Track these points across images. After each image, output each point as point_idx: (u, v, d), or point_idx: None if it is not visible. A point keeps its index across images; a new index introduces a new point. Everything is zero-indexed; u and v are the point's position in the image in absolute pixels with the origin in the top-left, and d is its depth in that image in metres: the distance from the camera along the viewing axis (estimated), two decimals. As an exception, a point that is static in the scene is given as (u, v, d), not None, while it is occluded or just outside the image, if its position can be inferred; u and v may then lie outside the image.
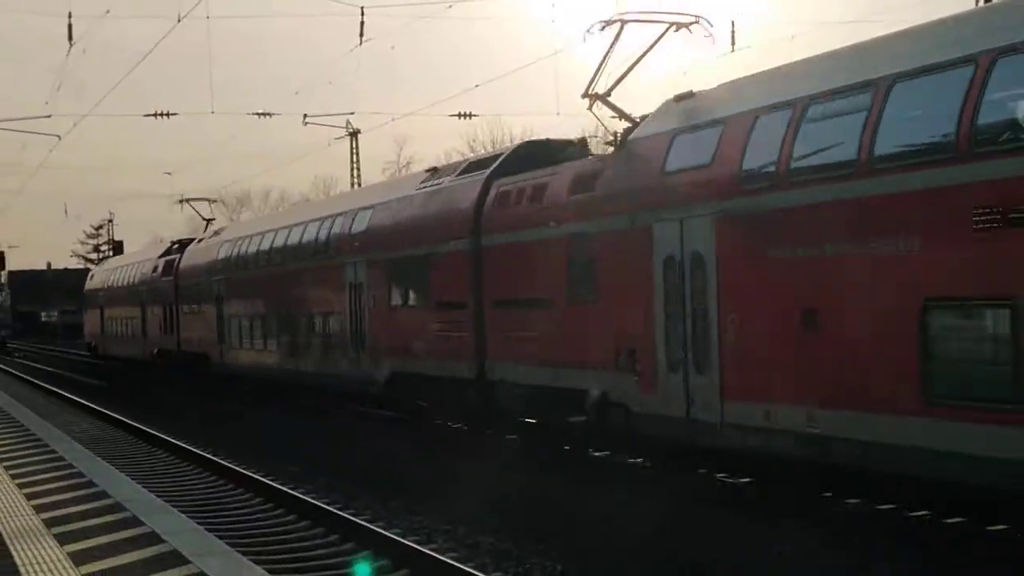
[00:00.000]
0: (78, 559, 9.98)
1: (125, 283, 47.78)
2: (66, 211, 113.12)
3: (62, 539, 10.89)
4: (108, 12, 30.63)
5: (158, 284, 41.44)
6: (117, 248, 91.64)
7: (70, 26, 30.30)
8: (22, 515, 12.32)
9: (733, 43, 32.98)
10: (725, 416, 13.63)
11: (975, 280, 10.59)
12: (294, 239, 28.49)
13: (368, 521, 14.04)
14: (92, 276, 59.86)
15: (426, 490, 16.15)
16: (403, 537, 13.03)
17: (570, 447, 18.25)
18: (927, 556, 11.44)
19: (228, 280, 33.58)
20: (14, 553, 10.28)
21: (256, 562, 10.47)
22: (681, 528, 13.07)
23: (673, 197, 14.68)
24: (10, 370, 53.72)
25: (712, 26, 17.84)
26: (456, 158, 51.61)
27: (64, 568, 9.67)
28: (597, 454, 18.14)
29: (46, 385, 41.40)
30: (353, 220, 25.03)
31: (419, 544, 12.62)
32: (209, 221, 44.24)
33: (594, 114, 17.42)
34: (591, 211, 16.38)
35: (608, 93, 17.59)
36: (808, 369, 12.44)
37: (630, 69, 17.68)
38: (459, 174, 21.39)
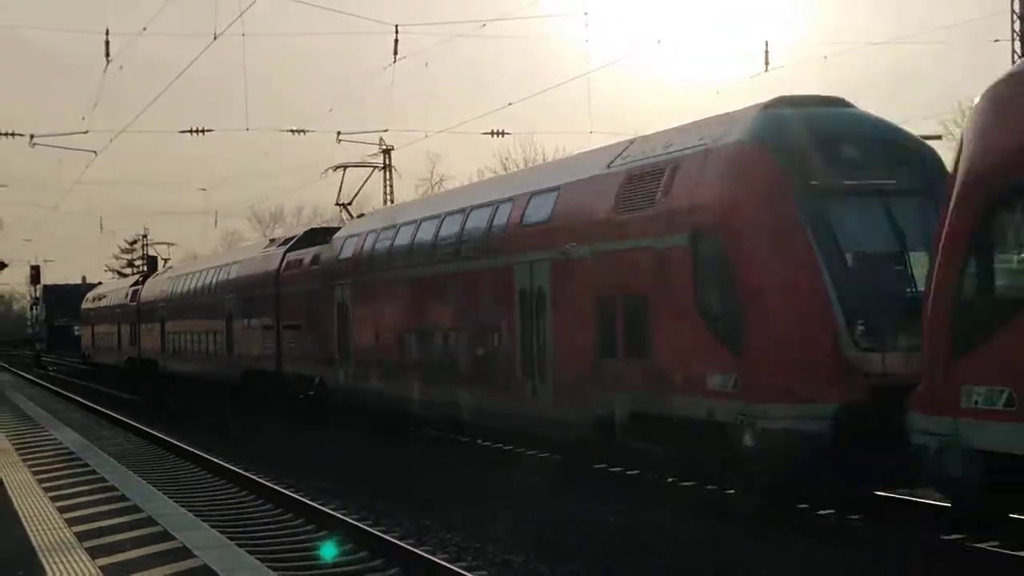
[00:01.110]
0: (110, 573, 10.03)
1: (106, 306, 62.75)
2: (101, 226, 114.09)
3: (94, 553, 10.95)
4: (145, 29, 30.85)
5: (127, 307, 55.84)
6: (151, 264, 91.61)
7: (107, 43, 30.63)
8: (55, 528, 12.40)
9: (767, 63, 32.98)
10: None
11: None
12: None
13: (399, 539, 14.03)
14: (85, 300, 73.51)
15: (459, 508, 16.12)
16: (433, 554, 13.02)
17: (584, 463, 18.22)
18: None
19: (169, 309, 47.22)
20: (47, 566, 10.35)
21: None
22: (711, 545, 13.01)
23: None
24: (45, 384, 54.11)
25: (395, 169, 21.91)
26: (488, 176, 51.59)
27: (96, 581, 9.72)
28: (614, 469, 18.08)
29: (79, 399, 41.66)
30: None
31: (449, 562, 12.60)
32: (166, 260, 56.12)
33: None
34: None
35: (349, 203, 33.35)
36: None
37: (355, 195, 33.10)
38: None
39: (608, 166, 17.37)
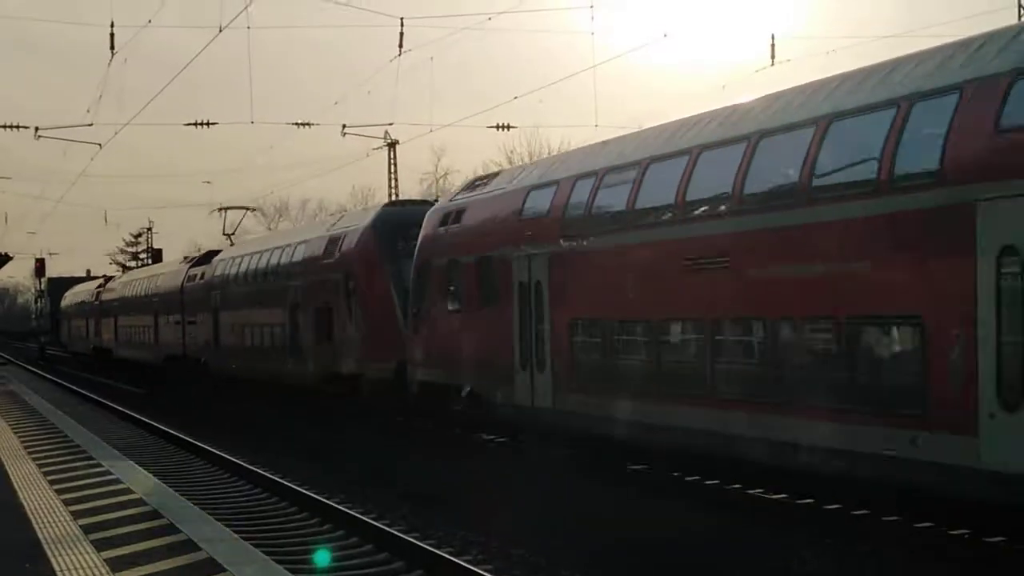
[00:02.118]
0: (115, 566, 10.03)
1: (77, 303, 76.28)
2: (106, 219, 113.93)
3: (99, 545, 10.96)
4: (150, 22, 30.92)
5: (90, 305, 68.36)
6: (156, 256, 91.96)
7: (112, 35, 30.59)
8: (60, 521, 12.41)
9: (773, 57, 32.93)
10: None
11: None
12: None
13: (403, 532, 14.05)
14: (64, 298, 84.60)
15: (463, 501, 16.15)
16: (438, 548, 13.04)
17: (608, 460, 18.21)
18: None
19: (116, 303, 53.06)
20: (52, 560, 10.36)
21: (292, 571, 10.52)
22: (718, 542, 13.02)
23: None
24: (49, 376, 54.17)
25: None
26: (494, 170, 51.62)
27: (102, 575, 9.73)
28: (635, 467, 18.11)
29: (84, 392, 41.72)
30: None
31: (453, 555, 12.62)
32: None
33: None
34: None
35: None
36: None
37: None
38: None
39: (328, 229, 31.21)
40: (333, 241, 29.50)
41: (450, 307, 22.38)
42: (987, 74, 11.51)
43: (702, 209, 15.49)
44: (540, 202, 19.45)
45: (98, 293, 65.20)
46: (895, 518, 13.35)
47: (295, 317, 32.02)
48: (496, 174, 23.87)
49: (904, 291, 12.14)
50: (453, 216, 22.80)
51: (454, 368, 22.10)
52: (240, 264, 37.91)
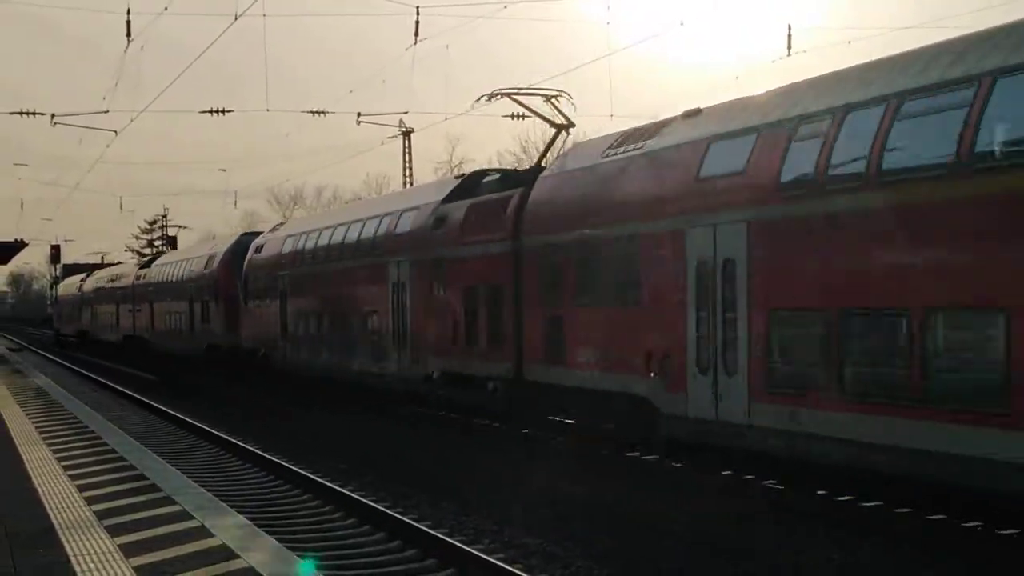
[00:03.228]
0: (129, 551, 10.05)
1: (70, 294, 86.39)
2: (121, 206, 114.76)
3: (113, 531, 10.99)
4: (166, 9, 30.69)
5: (74, 297, 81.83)
6: (171, 243, 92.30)
7: (128, 22, 30.53)
8: (74, 507, 12.45)
9: (789, 47, 32.79)
10: None
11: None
12: None
13: (416, 520, 14.07)
14: (57, 289, 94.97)
15: (475, 491, 16.16)
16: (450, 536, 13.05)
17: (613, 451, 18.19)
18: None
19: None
20: (66, 544, 10.39)
21: (304, 558, 10.53)
22: (728, 532, 13.01)
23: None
24: (64, 363, 54.32)
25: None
26: (509, 159, 51.44)
27: (115, 560, 9.75)
28: (647, 458, 18.11)
29: (99, 378, 41.81)
30: None
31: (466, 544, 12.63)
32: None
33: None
34: None
35: None
36: None
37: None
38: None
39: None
40: (202, 259, 30.09)
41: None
42: None
43: None
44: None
45: (79, 286, 73.31)
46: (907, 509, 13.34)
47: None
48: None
49: None
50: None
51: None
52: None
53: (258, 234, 41.23)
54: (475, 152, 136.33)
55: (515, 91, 24.67)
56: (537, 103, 24.90)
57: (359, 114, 41.89)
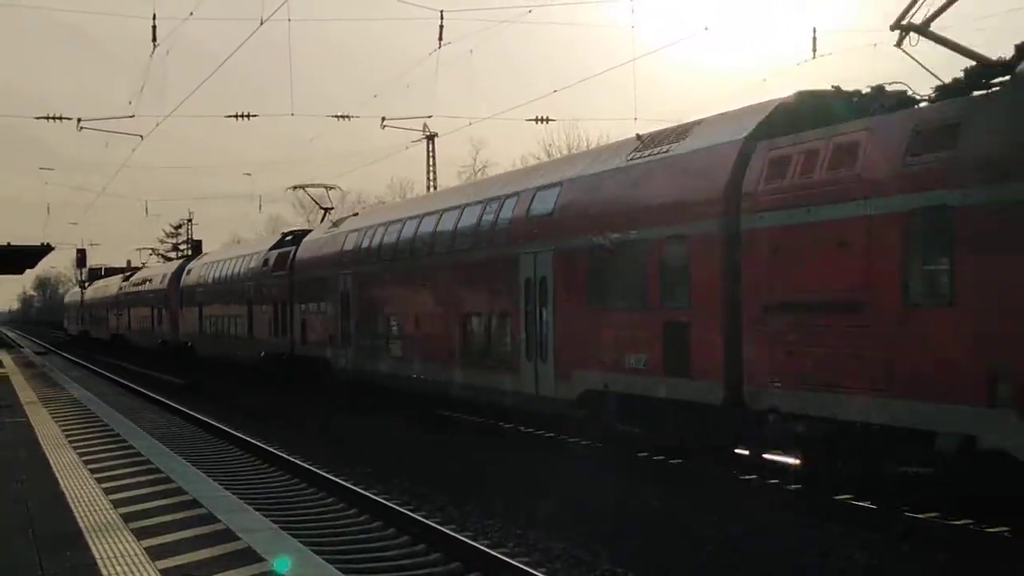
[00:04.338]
0: (155, 554, 10.10)
1: (77, 300, 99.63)
2: (147, 210, 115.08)
3: (139, 534, 11.04)
4: (192, 14, 30.90)
5: (75, 302, 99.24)
6: (196, 247, 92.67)
7: (154, 27, 30.73)
8: (101, 510, 12.52)
9: (814, 50, 32.70)
10: None
11: None
12: None
13: (440, 524, 14.11)
14: (66, 296, 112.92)
15: (498, 492, 16.20)
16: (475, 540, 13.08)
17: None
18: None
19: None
20: (93, 547, 10.45)
21: (329, 561, 10.58)
22: (752, 531, 12.99)
23: None
24: (91, 367, 54.61)
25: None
26: (532, 163, 51.46)
27: (141, 563, 9.80)
28: (657, 458, 18.08)
29: (125, 382, 42.00)
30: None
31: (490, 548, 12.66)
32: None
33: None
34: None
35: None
36: None
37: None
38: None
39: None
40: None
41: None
42: None
43: None
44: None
45: (77, 295, 79.68)
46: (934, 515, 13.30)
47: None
48: None
49: None
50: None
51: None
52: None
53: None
54: (499, 155, 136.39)
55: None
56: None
57: (383, 118, 42.08)
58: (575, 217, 19.75)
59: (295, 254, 36.89)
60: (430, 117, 58.66)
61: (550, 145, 72.96)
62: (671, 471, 17.73)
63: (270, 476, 19.27)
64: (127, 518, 11.92)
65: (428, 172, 65.56)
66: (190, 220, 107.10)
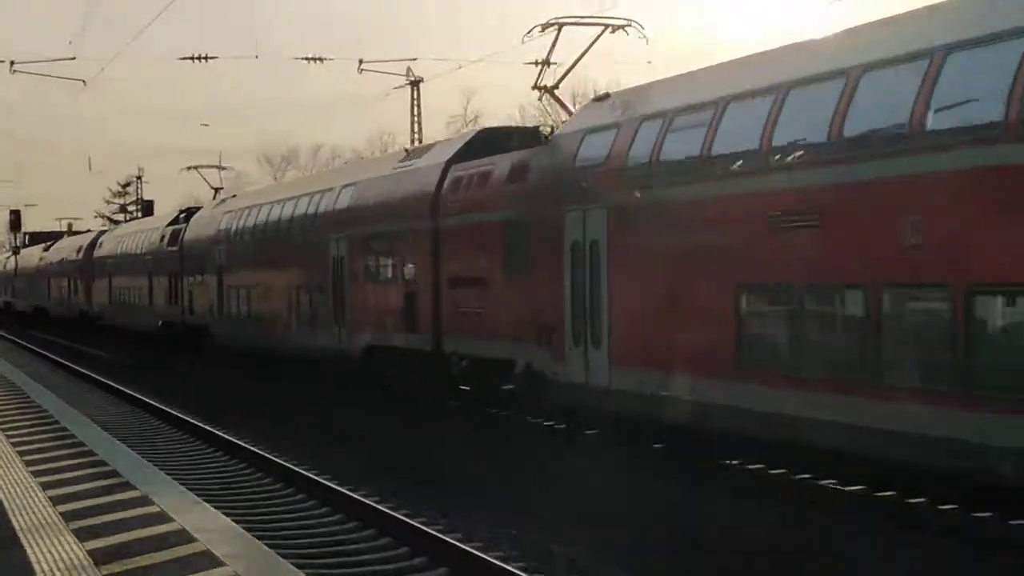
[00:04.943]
0: (100, 558, 10.09)
1: (10, 269, 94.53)
2: (90, 165, 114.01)
3: (81, 535, 11.04)
4: (141, -59, 30.81)
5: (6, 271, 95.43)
6: (147, 208, 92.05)
7: (98, -44, 30.41)
8: (38, 508, 12.51)
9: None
10: None
11: None
12: None
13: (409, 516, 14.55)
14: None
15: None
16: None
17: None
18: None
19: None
20: (28, 550, 10.42)
21: (284, 556, 10.85)
22: (763, 535, 13.19)
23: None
24: (28, 345, 54.67)
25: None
26: (532, 113, 51.32)
27: (84, 567, 9.77)
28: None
29: (65, 362, 42.02)
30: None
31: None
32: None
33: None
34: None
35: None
36: None
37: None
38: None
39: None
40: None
41: None
42: None
43: None
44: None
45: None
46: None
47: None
48: None
49: None
50: None
51: None
52: None
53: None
54: (493, 104, 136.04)
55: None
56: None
57: (361, 61, 41.83)
58: (360, 211, 28.16)
59: (185, 231, 43.89)
60: (414, 60, 58.21)
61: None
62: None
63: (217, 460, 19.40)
64: (68, 517, 11.91)
65: (412, 123, 65.04)
66: (139, 178, 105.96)
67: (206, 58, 37.70)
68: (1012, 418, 11.30)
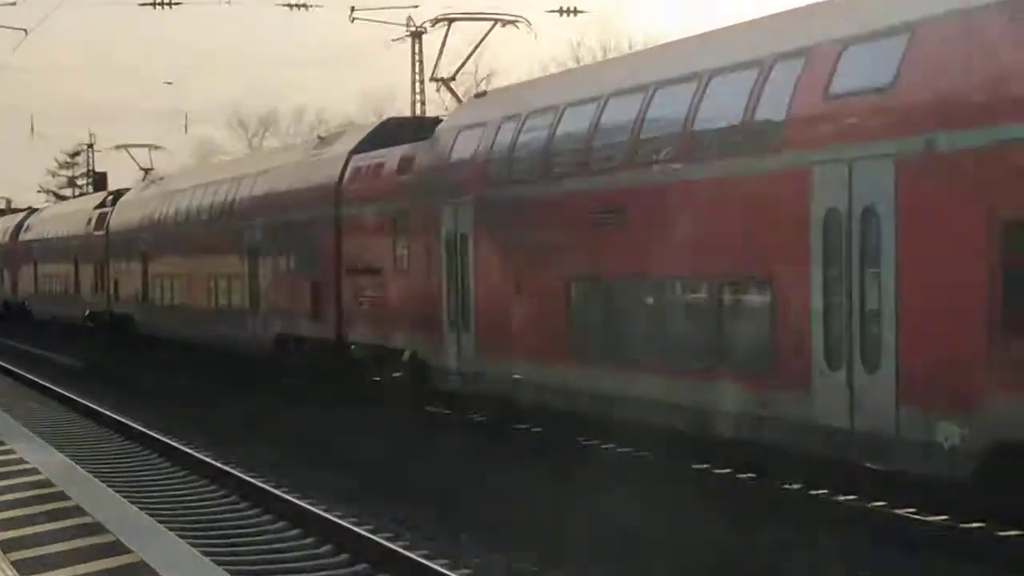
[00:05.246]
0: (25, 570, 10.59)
1: None
2: (32, 128, 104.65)
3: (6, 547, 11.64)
4: None
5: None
6: (99, 182, 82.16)
7: None
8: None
9: None
10: None
11: None
12: None
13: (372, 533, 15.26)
14: None
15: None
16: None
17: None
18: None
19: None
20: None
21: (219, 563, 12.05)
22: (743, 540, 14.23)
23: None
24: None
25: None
26: (553, 69, 50.15)
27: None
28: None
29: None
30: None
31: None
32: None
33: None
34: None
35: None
36: None
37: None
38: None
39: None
40: None
41: None
42: None
43: None
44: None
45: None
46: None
47: None
48: None
49: None
50: None
51: None
52: None
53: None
54: (509, 59, 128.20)
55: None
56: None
57: (352, 8, 40.26)
58: (272, 199, 30.66)
59: (111, 215, 45.08)
60: (416, 7, 53.50)
61: (578, 45, 68.26)
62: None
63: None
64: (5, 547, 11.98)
65: (413, 83, 58.85)
66: (91, 145, 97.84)
67: (171, 4, 35.81)
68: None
